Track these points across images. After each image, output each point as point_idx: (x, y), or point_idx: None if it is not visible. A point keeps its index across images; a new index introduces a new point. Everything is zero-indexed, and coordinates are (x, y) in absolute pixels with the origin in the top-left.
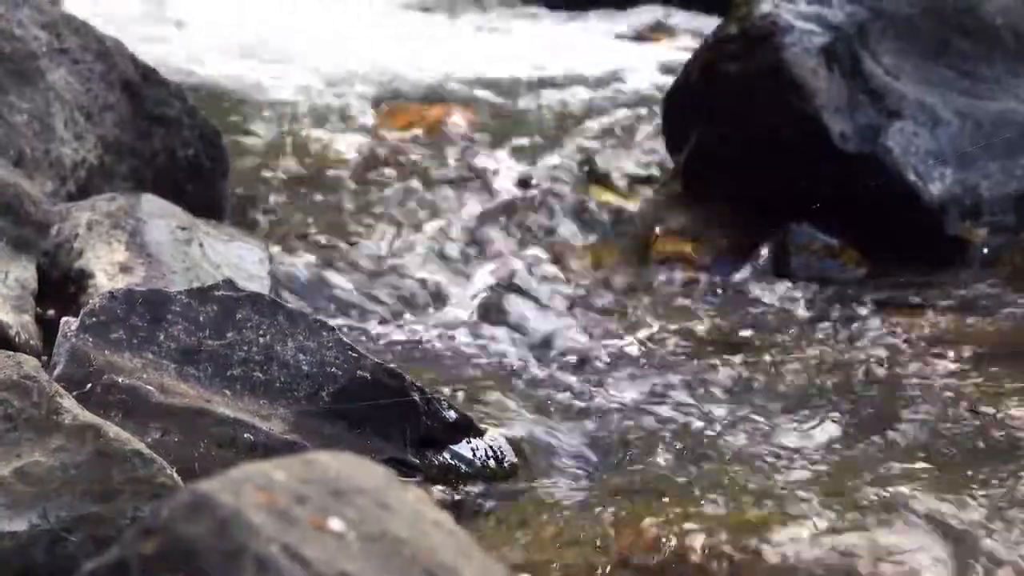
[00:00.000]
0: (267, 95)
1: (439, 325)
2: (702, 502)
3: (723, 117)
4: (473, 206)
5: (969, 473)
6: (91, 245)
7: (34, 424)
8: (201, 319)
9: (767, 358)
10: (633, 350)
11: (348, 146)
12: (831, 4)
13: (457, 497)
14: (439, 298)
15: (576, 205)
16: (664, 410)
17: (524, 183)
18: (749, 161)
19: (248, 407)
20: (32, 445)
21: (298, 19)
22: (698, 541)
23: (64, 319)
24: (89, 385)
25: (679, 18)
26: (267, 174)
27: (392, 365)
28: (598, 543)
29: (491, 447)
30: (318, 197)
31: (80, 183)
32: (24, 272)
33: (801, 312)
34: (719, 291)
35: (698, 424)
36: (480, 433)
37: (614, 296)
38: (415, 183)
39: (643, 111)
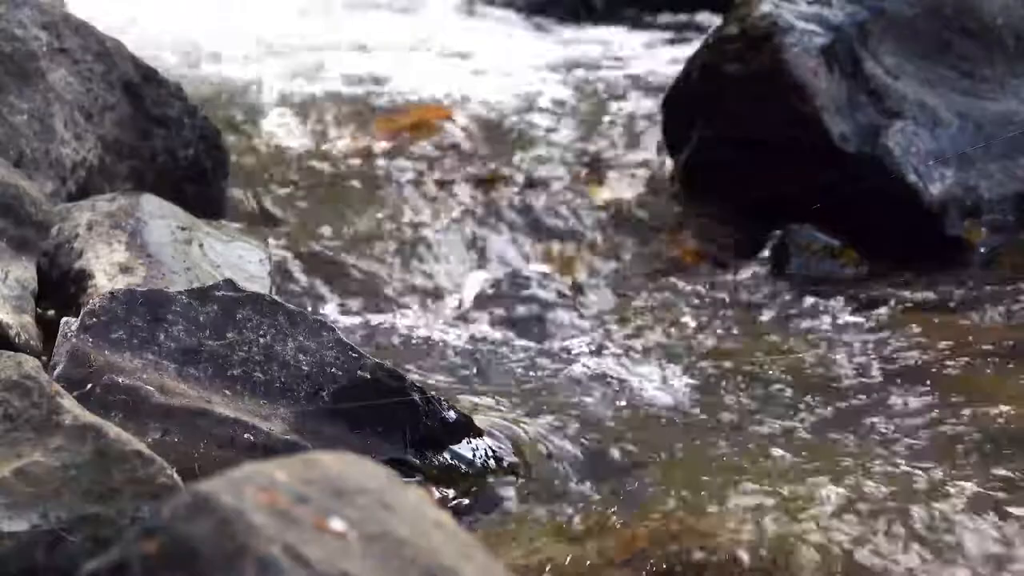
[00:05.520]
0: (267, 96)
1: (439, 325)
2: (703, 501)
3: (723, 117)
4: (472, 206)
5: (969, 472)
6: (91, 245)
7: (34, 424)
8: (201, 319)
9: (767, 358)
10: (632, 350)
11: (348, 146)
12: (831, 4)
13: (457, 497)
14: (439, 298)
15: (576, 205)
16: (664, 410)
17: (523, 183)
18: (749, 161)
19: (248, 407)
20: (32, 445)
21: (298, 19)
22: (699, 541)
23: (64, 319)
24: (89, 385)
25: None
26: (267, 174)
27: (392, 365)
28: (598, 543)
29: (491, 447)
30: (318, 197)
31: (80, 183)
32: (24, 272)
33: (801, 312)
34: (719, 291)
35: (699, 424)
36: (480, 433)
37: (613, 296)
38: (414, 184)
39: (643, 111)
